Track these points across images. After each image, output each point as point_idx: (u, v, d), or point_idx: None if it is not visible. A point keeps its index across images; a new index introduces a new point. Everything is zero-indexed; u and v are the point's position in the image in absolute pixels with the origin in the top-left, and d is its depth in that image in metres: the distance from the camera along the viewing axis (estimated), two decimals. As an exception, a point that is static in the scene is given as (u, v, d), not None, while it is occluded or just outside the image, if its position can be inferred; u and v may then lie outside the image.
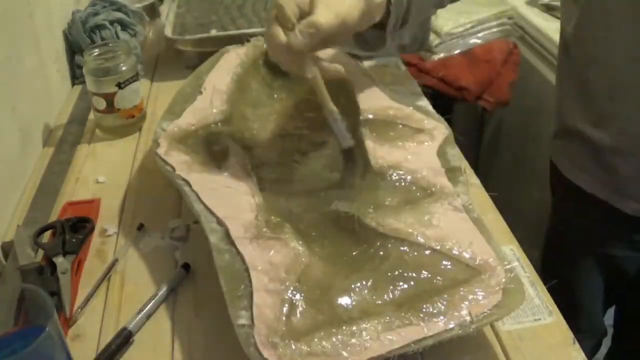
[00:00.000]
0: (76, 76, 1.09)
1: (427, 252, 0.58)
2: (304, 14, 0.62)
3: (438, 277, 0.55)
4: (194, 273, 0.66)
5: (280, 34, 0.61)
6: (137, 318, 0.60)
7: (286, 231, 0.61)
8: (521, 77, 1.61)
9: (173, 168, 0.70)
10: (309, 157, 0.77)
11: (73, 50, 1.08)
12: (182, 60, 1.06)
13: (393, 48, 0.75)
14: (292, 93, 0.90)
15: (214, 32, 1.04)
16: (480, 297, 0.53)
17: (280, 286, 0.55)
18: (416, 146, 0.71)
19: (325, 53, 0.91)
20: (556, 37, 1.33)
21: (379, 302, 0.54)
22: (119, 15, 1.09)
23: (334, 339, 0.50)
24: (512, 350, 0.56)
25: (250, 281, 0.55)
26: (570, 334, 0.58)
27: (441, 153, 0.70)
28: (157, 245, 0.70)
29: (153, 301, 0.62)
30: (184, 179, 0.68)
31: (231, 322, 0.52)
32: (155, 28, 1.20)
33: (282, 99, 0.89)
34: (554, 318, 0.59)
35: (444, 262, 0.57)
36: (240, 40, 0.94)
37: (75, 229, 0.71)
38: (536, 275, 0.64)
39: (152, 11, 1.24)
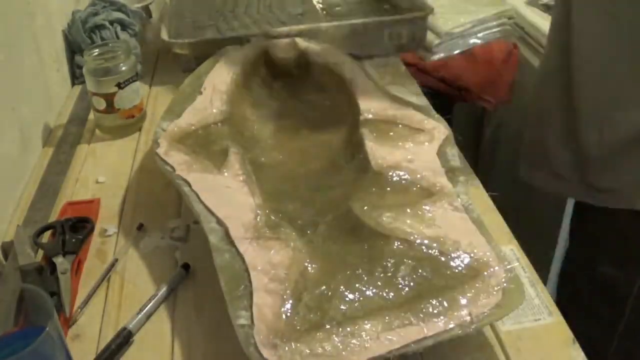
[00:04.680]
0: (76, 76, 1.09)
1: (427, 252, 0.58)
2: None
3: (438, 277, 0.55)
4: (194, 273, 0.66)
5: None
6: (137, 318, 0.60)
7: (286, 231, 0.61)
8: (521, 77, 1.60)
9: (173, 168, 0.70)
10: (309, 157, 0.77)
11: (73, 50, 1.08)
12: (179, 63, 1.06)
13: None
14: (292, 93, 0.90)
15: (210, 35, 1.04)
16: (480, 297, 0.53)
17: (280, 286, 0.55)
18: (416, 146, 0.71)
19: (327, 53, 0.91)
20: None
21: (379, 302, 0.54)
22: (119, 15, 1.09)
23: (334, 339, 0.50)
24: (512, 350, 0.56)
25: (250, 281, 0.55)
26: (570, 334, 0.58)
27: (441, 153, 0.70)
28: (157, 245, 0.70)
29: (153, 301, 0.62)
30: (183, 179, 0.68)
31: (231, 322, 0.52)
32: (151, 28, 1.20)
33: (282, 99, 0.89)
34: (554, 318, 0.59)
35: (444, 262, 0.57)
36: (237, 43, 0.95)
37: (75, 229, 0.71)
38: (536, 275, 0.64)
39: (148, 11, 1.24)
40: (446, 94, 1.48)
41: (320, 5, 1.19)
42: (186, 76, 0.88)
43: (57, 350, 0.47)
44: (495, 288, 0.54)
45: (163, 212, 0.75)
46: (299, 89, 0.90)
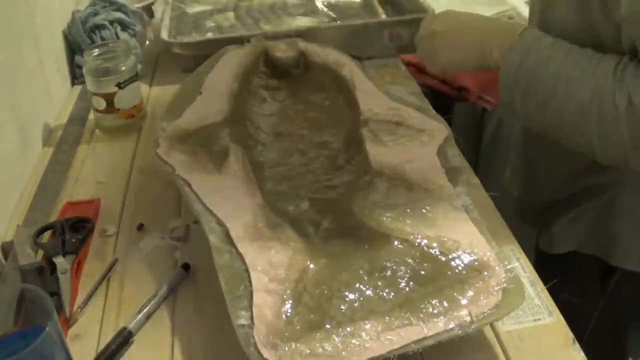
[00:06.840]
0: (76, 76, 1.09)
1: (427, 252, 0.58)
2: None
3: (438, 277, 0.55)
4: (194, 273, 0.66)
5: None
6: (137, 318, 0.60)
7: (286, 231, 0.61)
8: (521, 77, 1.60)
9: (173, 168, 0.70)
10: (309, 157, 0.77)
11: (73, 50, 1.08)
12: (179, 63, 1.06)
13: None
14: (292, 93, 0.90)
15: (210, 35, 1.04)
16: (480, 297, 0.53)
17: (280, 286, 0.55)
18: (416, 146, 0.71)
19: (327, 53, 0.91)
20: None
21: (379, 302, 0.54)
22: (119, 15, 1.09)
23: (334, 339, 0.50)
24: (512, 351, 0.56)
25: (250, 281, 0.55)
26: (570, 334, 0.58)
27: (441, 153, 0.70)
28: (157, 245, 0.70)
29: (153, 301, 0.62)
30: (183, 179, 0.68)
31: (231, 322, 0.52)
32: (151, 28, 1.20)
33: (282, 99, 0.89)
34: (554, 318, 0.59)
35: (444, 262, 0.57)
36: (237, 43, 0.95)
37: (75, 229, 0.71)
38: (536, 275, 0.64)
39: (149, 11, 1.24)
40: (446, 94, 1.48)
41: (321, 6, 1.20)
42: (186, 76, 0.88)
43: (57, 350, 0.47)
44: (495, 288, 0.54)
45: (163, 212, 0.75)
46: (299, 89, 0.90)
